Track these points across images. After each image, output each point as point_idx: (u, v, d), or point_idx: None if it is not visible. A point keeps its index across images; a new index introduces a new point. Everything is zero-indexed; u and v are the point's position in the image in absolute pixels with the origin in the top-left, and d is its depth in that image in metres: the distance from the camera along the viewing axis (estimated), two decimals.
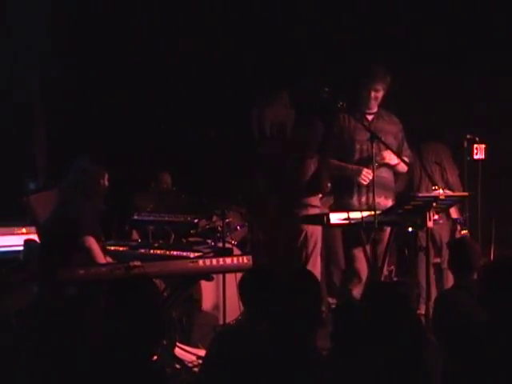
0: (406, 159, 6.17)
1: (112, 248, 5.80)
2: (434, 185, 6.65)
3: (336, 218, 5.61)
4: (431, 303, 5.58)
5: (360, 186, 6.13)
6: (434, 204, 5.64)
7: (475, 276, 4.62)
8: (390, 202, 6.17)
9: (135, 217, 6.96)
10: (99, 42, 8.42)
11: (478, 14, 7.63)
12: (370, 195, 5.92)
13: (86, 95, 8.46)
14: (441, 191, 5.86)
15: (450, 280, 6.45)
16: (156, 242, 6.00)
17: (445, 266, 6.65)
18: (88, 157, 5.62)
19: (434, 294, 5.94)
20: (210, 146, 7.83)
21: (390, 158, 6.17)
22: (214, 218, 6.76)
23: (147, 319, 3.12)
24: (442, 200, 5.75)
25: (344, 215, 5.63)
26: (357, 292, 6.04)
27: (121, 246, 5.94)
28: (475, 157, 6.81)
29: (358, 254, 6.09)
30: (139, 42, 8.36)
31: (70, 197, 5.44)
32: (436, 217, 5.99)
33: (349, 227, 5.84)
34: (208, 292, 6.55)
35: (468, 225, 6.82)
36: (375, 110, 6.29)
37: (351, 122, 6.19)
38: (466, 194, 6.35)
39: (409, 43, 7.79)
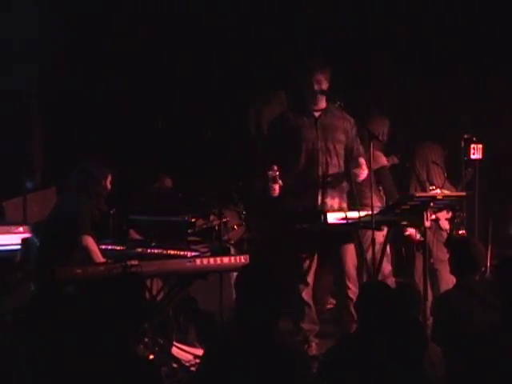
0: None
1: (109, 247, 5.81)
2: (422, 185, 6.69)
3: (333, 217, 5.58)
4: (428, 303, 5.59)
5: (323, 187, 5.76)
6: (432, 204, 5.63)
7: (477, 277, 4.57)
8: (345, 205, 5.81)
9: (133, 216, 6.96)
10: (96, 42, 8.41)
11: (475, 14, 7.64)
12: (324, 197, 5.74)
13: (84, 95, 8.45)
14: (438, 191, 5.87)
15: (443, 280, 6.47)
16: (153, 241, 6.00)
17: (437, 266, 6.66)
18: (93, 158, 5.67)
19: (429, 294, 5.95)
20: (208, 145, 7.84)
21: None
22: (212, 218, 6.75)
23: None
24: (439, 200, 5.74)
25: (341, 215, 5.60)
26: (306, 295, 5.87)
27: (118, 245, 5.94)
28: (472, 156, 6.81)
29: (310, 263, 5.84)
30: (138, 40, 8.35)
31: (71, 196, 5.50)
32: (433, 216, 6.00)
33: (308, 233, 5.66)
34: (206, 291, 6.55)
35: (465, 224, 6.83)
36: (323, 106, 5.84)
37: (297, 120, 5.81)
38: (463, 193, 6.35)
39: (407, 43, 7.80)
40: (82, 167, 5.62)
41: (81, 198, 5.44)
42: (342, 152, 5.85)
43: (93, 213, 5.50)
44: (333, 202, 5.77)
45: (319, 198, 5.73)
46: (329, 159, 5.77)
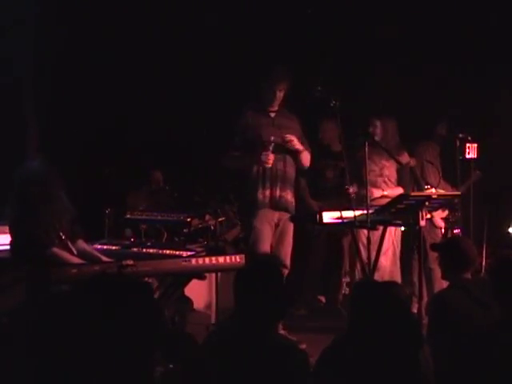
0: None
1: (105, 247, 5.79)
2: (418, 184, 6.72)
3: (328, 216, 5.60)
4: (423, 302, 5.60)
5: (264, 179, 6.17)
6: (427, 203, 5.64)
7: (470, 275, 4.58)
8: (292, 198, 6.27)
9: (128, 216, 6.96)
10: (92, 35, 8.38)
11: (472, 15, 7.66)
12: (274, 189, 6.14)
13: (79, 88, 8.43)
14: (433, 190, 5.88)
15: (438, 279, 6.48)
16: (149, 241, 6.00)
17: (432, 265, 6.66)
18: (30, 162, 5.29)
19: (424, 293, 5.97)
20: (204, 145, 7.83)
21: (296, 142, 6.22)
22: (207, 217, 6.76)
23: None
24: (434, 199, 5.75)
25: (336, 214, 5.62)
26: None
27: (113, 244, 5.93)
28: (467, 156, 6.82)
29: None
30: (135, 37, 8.34)
31: (18, 213, 5.06)
32: (428, 216, 6.01)
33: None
34: (201, 291, 6.55)
35: (460, 224, 6.84)
36: (276, 107, 6.34)
37: (255, 119, 6.28)
38: (458, 193, 6.36)
39: (404, 44, 7.82)
40: (19, 177, 5.17)
41: (27, 213, 4.98)
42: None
43: (53, 219, 5.17)
44: (285, 194, 6.21)
45: (274, 190, 6.16)
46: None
